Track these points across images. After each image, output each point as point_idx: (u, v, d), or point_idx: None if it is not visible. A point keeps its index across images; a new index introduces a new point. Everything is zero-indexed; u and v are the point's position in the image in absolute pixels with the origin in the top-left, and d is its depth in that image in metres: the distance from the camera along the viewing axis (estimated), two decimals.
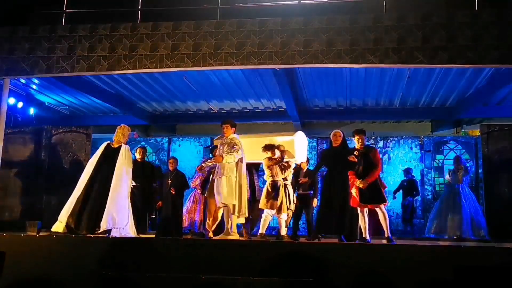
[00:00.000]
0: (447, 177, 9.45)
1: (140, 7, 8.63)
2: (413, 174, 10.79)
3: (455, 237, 8.58)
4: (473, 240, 8.47)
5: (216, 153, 7.39)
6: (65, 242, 6.10)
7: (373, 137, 11.86)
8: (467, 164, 9.55)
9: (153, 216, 9.22)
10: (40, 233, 7.49)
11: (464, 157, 11.08)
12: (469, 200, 8.91)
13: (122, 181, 6.85)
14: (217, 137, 7.82)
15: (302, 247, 5.64)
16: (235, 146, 7.10)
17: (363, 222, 6.98)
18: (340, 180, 7.00)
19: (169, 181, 9.00)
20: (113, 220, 6.58)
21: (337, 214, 6.82)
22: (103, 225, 6.53)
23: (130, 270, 5.41)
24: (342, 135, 7.33)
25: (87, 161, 9.53)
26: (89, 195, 6.81)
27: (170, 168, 9.29)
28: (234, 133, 7.43)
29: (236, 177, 7.07)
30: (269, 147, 7.63)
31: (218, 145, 7.48)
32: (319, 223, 7.15)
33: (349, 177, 7.01)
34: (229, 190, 6.96)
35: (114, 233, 6.54)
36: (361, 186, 6.85)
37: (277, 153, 7.65)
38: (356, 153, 7.04)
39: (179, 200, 9.07)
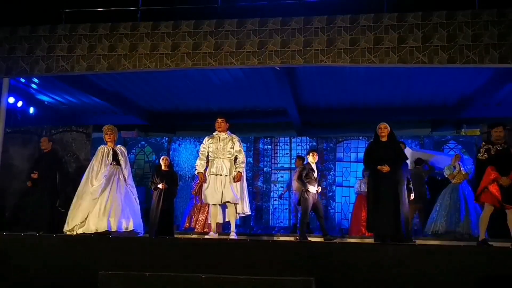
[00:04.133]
0: (446, 172, 9.32)
1: (140, 6, 8.62)
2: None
3: (467, 236, 8.50)
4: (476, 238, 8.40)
5: (209, 149, 6.92)
6: (65, 242, 6.10)
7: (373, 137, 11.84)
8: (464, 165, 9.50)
9: None
10: (40, 233, 7.49)
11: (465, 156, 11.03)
12: (472, 199, 8.86)
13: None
14: (208, 137, 7.10)
15: (302, 247, 5.64)
16: (241, 152, 6.87)
17: (485, 221, 6.31)
18: (390, 177, 6.44)
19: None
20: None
21: (389, 213, 6.35)
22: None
23: (130, 270, 5.41)
24: (388, 128, 6.70)
25: (87, 161, 9.59)
26: None
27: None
28: (228, 129, 7.06)
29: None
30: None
31: (209, 143, 6.95)
32: (370, 223, 6.64)
33: (489, 171, 6.21)
34: (234, 188, 6.83)
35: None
36: (503, 183, 6.06)
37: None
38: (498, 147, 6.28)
39: None
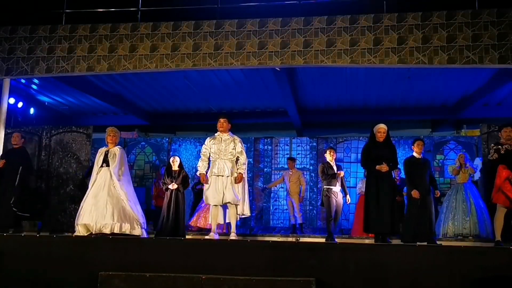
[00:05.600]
0: (449, 169, 9.28)
1: (140, 7, 8.63)
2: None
3: (471, 237, 8.49)
4: (486, 239, 8.36)
5: (211, 150, 6.81)
6: (65, 242, 6.10)
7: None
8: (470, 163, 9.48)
9: None
10: (40, 233, 7.49)
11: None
12: (478, 199, 8.86)
13: None
14: (210, 138, 6.93)
15: (302, 248, 5.63)
16: (242, 153, 6.75)
17: (499, 222, 6.27)
18: (387, 177, 6.61)
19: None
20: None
21: (387, 212, 6.48)
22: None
23: (130, 270, 5.41)
24: (386, 130, 6.78)
25: (87, 161, 9.61)
26: None
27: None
28: (230, 129, 6.93)
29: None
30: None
31: (210, 144, 6.83)
32: (370, 222, 6.64)
33: (500, 170, 6.16)
34: (235, 189, 6.79)
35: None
36: None
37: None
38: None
39: None
